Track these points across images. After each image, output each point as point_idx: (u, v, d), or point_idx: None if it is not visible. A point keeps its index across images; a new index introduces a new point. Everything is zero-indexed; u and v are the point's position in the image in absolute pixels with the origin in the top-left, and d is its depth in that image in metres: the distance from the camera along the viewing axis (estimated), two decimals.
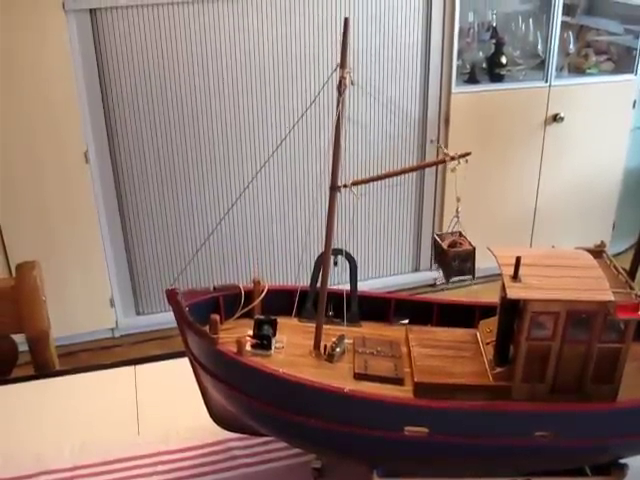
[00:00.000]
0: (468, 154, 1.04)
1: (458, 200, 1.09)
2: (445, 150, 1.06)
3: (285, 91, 3.20)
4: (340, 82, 1.06)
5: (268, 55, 3.12)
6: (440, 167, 3.52)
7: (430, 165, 1.17)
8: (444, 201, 3.58)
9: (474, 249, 1.10)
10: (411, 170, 1.13)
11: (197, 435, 1.36)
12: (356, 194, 1.12)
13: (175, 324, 1.14)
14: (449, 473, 1.18)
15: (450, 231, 1.13)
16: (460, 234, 1.12)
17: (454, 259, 1.09)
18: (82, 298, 3.23)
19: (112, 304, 3.33)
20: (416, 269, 3.81)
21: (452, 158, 1.06)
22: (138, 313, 3.43)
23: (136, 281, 3.37)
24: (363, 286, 1.24)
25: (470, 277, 1.10)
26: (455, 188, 1.03)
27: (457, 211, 1.11)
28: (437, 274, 3.77)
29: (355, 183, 1.13)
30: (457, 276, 1.10)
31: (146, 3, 2.89)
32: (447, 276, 1.10)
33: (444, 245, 1.10)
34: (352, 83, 1.07)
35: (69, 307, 3.16)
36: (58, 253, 3.10)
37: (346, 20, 1.04)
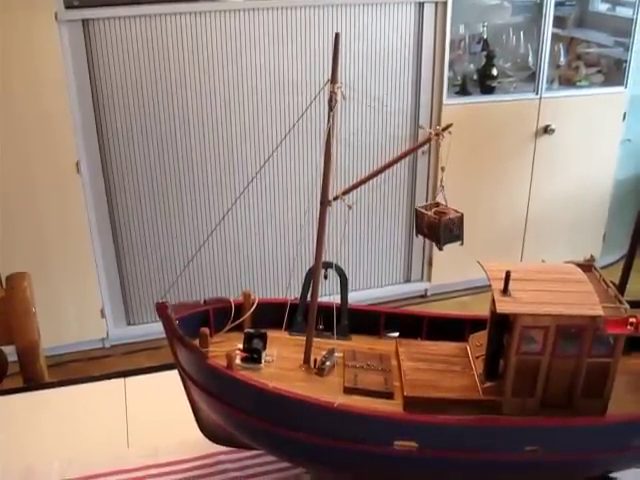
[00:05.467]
0: (450, 125, 1.07)
1: (442, 170, 1.13)
2: (429, 130, 1.09)
3: (278, 104, 3.19)
4: (331, 97, 1.07)
5: (261, 68, 3.12)
6: (432, 178, 3.52)
7: (418, 147, 1.19)
8: None
9: (462, 215, 1.11)
10: (399, 159, 1.13)
11: (187, 448, 1.36)
12: (348, 203, 1.12)
13: None
14: None
15: (428, 203, 1.15)
16: (438, 204, 1.14)
17: (445, 227, 1.10)
18: (73, 308, 3.22)
19: (103, 314, 3.31)
20: (407, 280, 3.81)
21: (437, 134, 1.08)
22: (129, 323, 3.42)
23: (127, 291, 3.36)
24: (354, 297, 1.24)
25: (460, 242, 1.12)
26: (440, 160, 1.05)
27: (441, 181, 1.13)
28: (426, 286, 3.79)
29: (345, 192, 1.14)
30: (448, 243, 1.12)
31: (138, 14, 2.89)
32: (440, 244, 1.11)
33: (432, 215, 1.11)
34: (344, 98, 1.07)
35: (60, 317, 3.15)
36: (49, 263, 3.09)
37: (337, 35, 1.05)
